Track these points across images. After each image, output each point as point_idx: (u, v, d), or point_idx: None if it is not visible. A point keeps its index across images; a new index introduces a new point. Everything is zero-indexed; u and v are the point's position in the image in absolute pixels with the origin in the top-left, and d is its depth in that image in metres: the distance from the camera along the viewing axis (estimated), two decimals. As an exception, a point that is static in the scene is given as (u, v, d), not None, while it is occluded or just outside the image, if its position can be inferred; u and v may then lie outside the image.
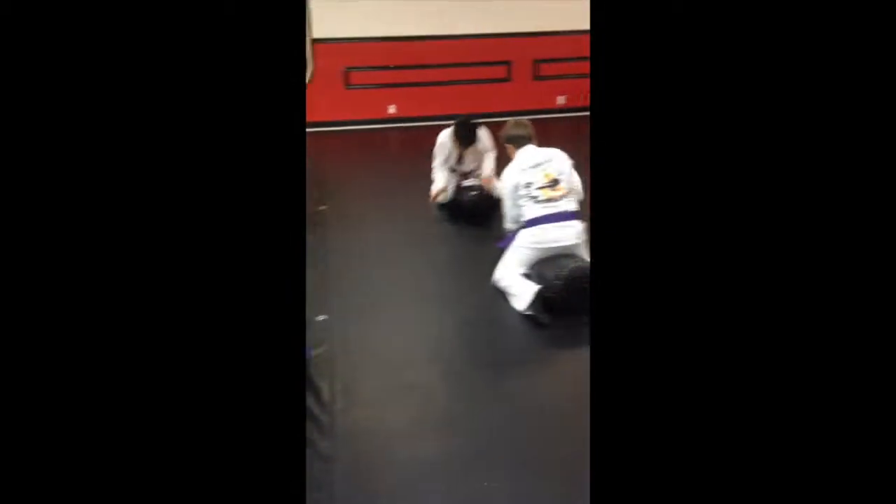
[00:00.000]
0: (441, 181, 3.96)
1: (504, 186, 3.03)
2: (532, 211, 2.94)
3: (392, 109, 6.85)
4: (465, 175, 4.05)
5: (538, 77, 7.01)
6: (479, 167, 4.04)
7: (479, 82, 6.87)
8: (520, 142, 3.09)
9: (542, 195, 2.93)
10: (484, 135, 3.96)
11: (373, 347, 2.63)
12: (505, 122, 3.25)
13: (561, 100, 7.14)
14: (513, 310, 2.88)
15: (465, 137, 3.86)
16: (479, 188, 3.96)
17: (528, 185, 2.94)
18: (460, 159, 3.99)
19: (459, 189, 4.01)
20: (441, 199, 4.01)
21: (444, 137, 3.92)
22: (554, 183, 2.94)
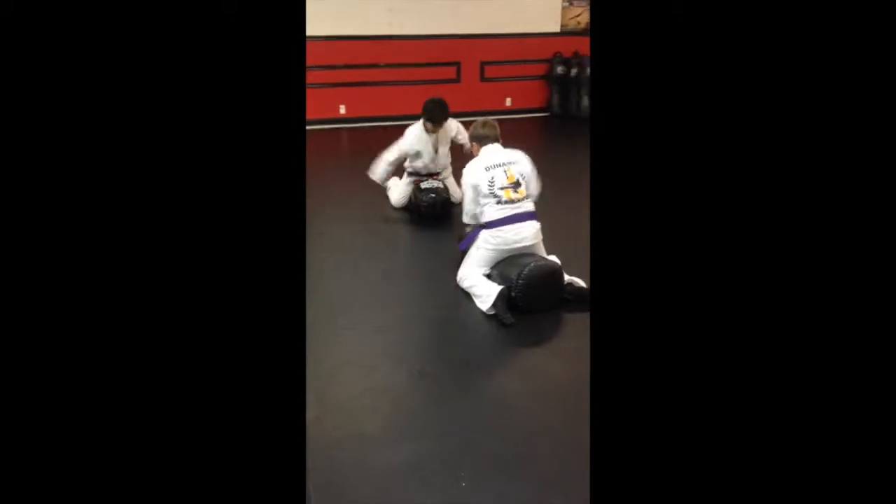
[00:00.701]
0: (400, 192, 3.98)
1: (466, 181, 3.04)
2: (494, 212, 2.97)
3: (343, 110, 6.79)
4: (429, 176, 4.07)
5: (485, 79, 7.09)
6: (446, 168, 4.10)
7: (430, 83, 6.89)
8: (485, 141, 3.12)
9: (504, 196, 2.96)
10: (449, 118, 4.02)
11: (341, 353, 2.60)
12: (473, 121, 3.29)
13: (508, 101, 7.24)
14: (477, 310, 2.90)
15: (437, 112, 3.88)
16: (437, 190, 3.98)
17: (490, 183, 2.96)
18: (436, 150, 4.02)
19: (418, 191, 4.01)
20: (400, 202, 4.01)
21: (418, 129, 3.91)
22: (516, 185, 2.98)
